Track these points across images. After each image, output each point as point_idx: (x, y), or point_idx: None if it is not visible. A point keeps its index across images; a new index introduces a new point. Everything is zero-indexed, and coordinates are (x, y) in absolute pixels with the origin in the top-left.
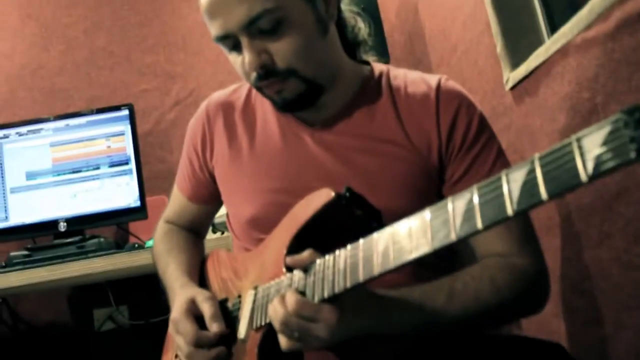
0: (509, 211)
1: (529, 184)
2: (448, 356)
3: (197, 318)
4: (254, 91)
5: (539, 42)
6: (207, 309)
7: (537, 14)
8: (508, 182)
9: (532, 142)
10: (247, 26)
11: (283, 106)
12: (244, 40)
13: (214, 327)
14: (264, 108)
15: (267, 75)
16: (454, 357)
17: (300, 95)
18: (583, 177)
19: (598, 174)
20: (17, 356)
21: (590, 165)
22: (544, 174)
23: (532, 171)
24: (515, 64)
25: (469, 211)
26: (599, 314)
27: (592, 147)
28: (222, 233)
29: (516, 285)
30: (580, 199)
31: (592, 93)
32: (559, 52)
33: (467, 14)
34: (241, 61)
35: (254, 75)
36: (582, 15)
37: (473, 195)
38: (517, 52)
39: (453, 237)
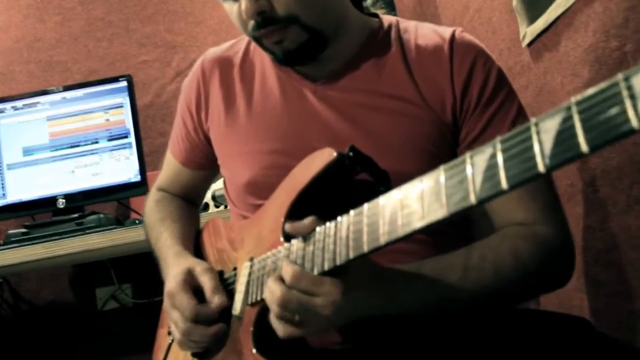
0: (540, 167)
1: (565, 134)
2: (465, 331)
3: (195, 291)
4: (253, 46)
5: None
6: (207, 280)
7: None
8: (538, 133)
9: (553, 102)
10: None
11: (284, 58)
12: None
13: (216, 300)
14: (263, 63)
15: (265, 23)
16: (472, 333)
17: (302, 45)
18: (634, 122)
19: None
20: (19, 336)
21: None
22: (584, 121)
23: (568, 119)
24: (532, 17)
25: (490, 168)
26: (627, 286)
27: None
28: (225, 207)
29: (540, 257)
30: (606, 161)
31: (621, 41)
32: None
33: None
34: (237, 9)
35: (251, 23)
36: None
37: (495, 150)
38: (534, 4)
39: (472, 199)
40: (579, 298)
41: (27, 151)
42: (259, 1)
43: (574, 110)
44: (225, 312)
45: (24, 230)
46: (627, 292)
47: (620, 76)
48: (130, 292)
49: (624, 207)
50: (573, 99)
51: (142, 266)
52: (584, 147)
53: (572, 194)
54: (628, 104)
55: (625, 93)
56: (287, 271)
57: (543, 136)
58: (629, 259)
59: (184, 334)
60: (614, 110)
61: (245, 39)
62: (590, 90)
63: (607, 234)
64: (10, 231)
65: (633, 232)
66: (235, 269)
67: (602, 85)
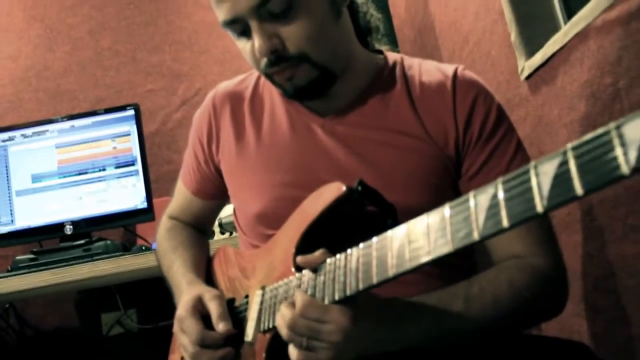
0: (539, 208)
1: (562, 177)
2: (467, 357)
3: (204, 317)
4: (262, 81)
5: (555, 29)
6: (214, 307)
7: (553, 0)
8: (537, 175)
9: (550, 134)
10: (257, 9)
11: (294, 94)
12: (254, 24)
13: (221, 327)
14: (272, 98)
15: (278, 61)
16: (474, 357)
17: (312, 82)
18: (624, 169)
19: None
20: None
21: (633, 156)
22: (579, 166)
23: (564, 163)
24: (530, 52)
25: (493, 207)
26: (624, 312)
27: (634, 135)
28: (231, 234)
29: (535, 287)
30: (603, 192)
31: (614, 77)
32: (578, 36)
33: (479, 3)
34: (250, 47)
35: (264, 61)
36: None
37: (497, 190)
38: (532, 39)
39: (476, 236)
40: (578, 323)
41: (35, 178)
42: (272, 40)
43: (570, 155)
44: (234, 338)
45: (31, 256)
46: (624, 317)
47: (612, 124)
48: (135, 318)
49: (620, 235)
50: (569, 145)
51: (147, 292)
52: (579, 190)
53: (570, 223)
54: (619, 151)
55: (616, 141)
56: (298, 299)
57: (542, 179)
58: (626, 285)
59: (193, 357)
60: (607, 157)
61: (254, 74)
62: (586, 137)
63: (605, 261)
64: (18, 257)
65: (629, 260)
66: (247, 296)
67: (596, 132)
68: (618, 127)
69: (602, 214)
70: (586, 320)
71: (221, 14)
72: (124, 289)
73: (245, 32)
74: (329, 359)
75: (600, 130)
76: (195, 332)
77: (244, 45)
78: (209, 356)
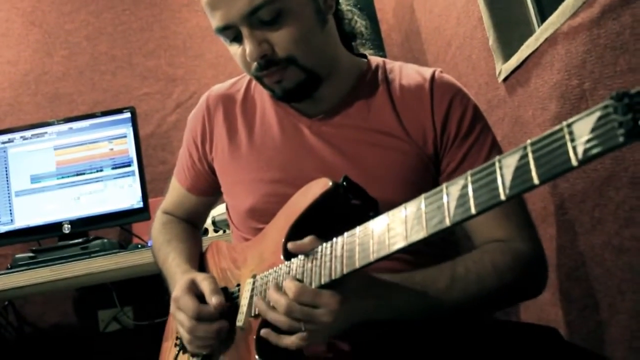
0: (502, 196)
1: (521, 169)
2: (444, 341)
3: (198, 297)
4: (254, 84)
5: (530, 34)
6: (206, 285)
7: (528, 6)
8: (501, 168)
9: (526, 134)
10: (249, 16)
11: (283, 95)
12: (245, 31)
13: (214, 300)
14: (263, 100)
15: (267, 65)
16: (450, 343)
17: (300, 84)
18: (574, 161)
19: (588, 157)
20: (23, 358)
21: (580, 150)
22: (536, 159)
23: (524, 157)
24: (507, 55)
25: (462, 197)
26: (594, 300)
27: (582, 132)
28: (224, 231)
29: (517, 268)
30: (572, 186)
31: (580, 79)
32: (548, 41)
33: (461, 10)
34: (242, 52)
35: (254, 65)
36: (569, 3)
37: (467, 182)
38: (509, 44)
39: (447, 222)
40: (554, 312)
41: (34, 179)
42: (262, 45)
43: (529, 149)
44: (227, 321)
45: (31, 254)
46: (594, 305)
47: (564, 123)
48: (131, 315)
49: (589, 227)
50: (529, 141)
51: (144, 289)
52: (536, 180)
53: (545, 216)
54: (569, 146)
55: (567, 137)
56: (290, 287)
57: (504, 171)
58: (595, 274)
59: (190, 331)
60: (559, 151)
61: (246, 77)
62: (543, 134)
63: (576, 252)
64: (18, 255)
65: (597, 250)
66: (238, 285)
67: (552, 129)
68: (569, 125)
69: (572, 208)
70: (561, 309)
71: (214, 21)
72: (121, 287)
73: (237, 38)
74: (321, 338)
75: (555, 128)
76: (191, 308)
77: (235, 51)
78: (205, 329)
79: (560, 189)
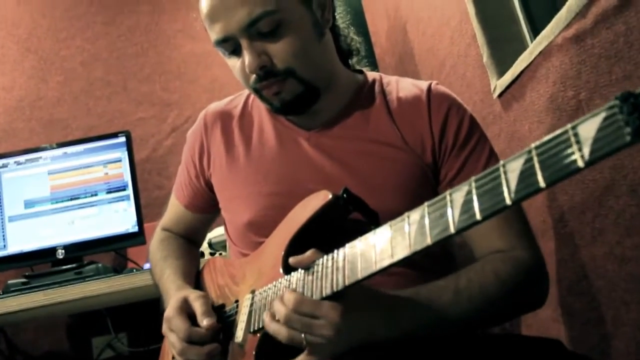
0: (507, 200)
1: (526, 173)
2: (446, 356)
3: (190, 316)
4: (251, 99)
5: (523, 49)
6: (198, 306)
7: (521, 23)
8: (505, 173)
9: (522, 148)
10: (248, 28)
11: (281, 108)
12: (244, 43)
13: (205, 322)
14: (261, 115)
15: (266, 76)
16: (451, 356)
17: (298, 96)
18: (580, 162)
19: (595, 158)
20: None
21: (587, 151)
22: (541, 162)
23: (529, 160)
24: (501, 71)
25: (467, 203)
26: (598, 313)
27: (587, 133)
28: (221, 254)
29: (519, 277)
30: (572, 198)
31: (576, 90)
32: (542, 54)
33: (454, 29)
34: (241, 64)
35: (253, 77)
36: (562, 15)
37: (471, 188)
38: (503, 60)
39: (452, 229)
40: (556, 328)
41: (28, 204)
42: (261, 57)
43: (534, 153)
44: (224, 340)
45: (23, 280)
46: (597, 318)
47: (569, 125)
48: (126, 341)
49: (590, 239)
50: (533, 145)
51: (138, 315)
52: (542, 183)
53: (545, 230)
54: (575, 147)
55: (572, 139)
56: (289, 298)
57: (509, 175)
58: (597, 287)
59: (180, 354)
60: (564, 153)
61: (243, 94)
62: (546, 137)
63: (577, 265)
64: (10, 281)
65: (599, 262)
66: (237, 301)
67: (556, 132)
68: (574, 127)
69: (572, 219)
70: (563, 324)
71: (214, 33)
72: (115, 313)
73: (235, 51)
74: (323, 353)
75: (559, 131)
76: (182, 330)
77: (234, 63)
78: (196, 352)
79: (559, 201)
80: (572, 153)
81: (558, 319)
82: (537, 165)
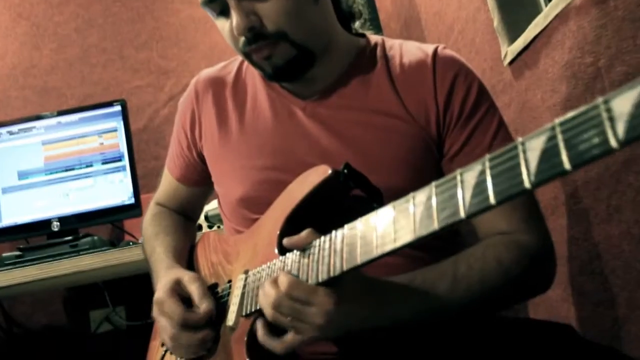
0: (527, 183)
1: (549, 152)
2: (454, 340)
3: (183, 299)
4: (245, 66)
5: (536, 14)
6: (194, 289)
7: None
8: (524, 152)
9: (534, 118)
10: None
11: (273, 74)
12: (232, 2)
13: (204, 306)
14: (255, 83)
15: (256, 38)
16: (460, 341)
17: (291, 61)
18: (613, 142)
19: (631, 138)
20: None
21: (621, 129)
22: (566, 141)
23: (552, 138)
24: (513, 37)
25: (479, 184)
26: (611, 294)
27: (622, 108)
28: (219, 227)
29: (523, 263)
30: (586, 173)
31: (594, 57)
32: (559, 18)
33: None
34: (229, 26)
35: (242, 39)
36: None
37: (485, 167)
38: (514, 25)
39: (462, 214)
40: (566, 308)
41: (22, 175)
42: (250, 17)
43: (558, 130)
44: (216, 324)
45: (18, 253)
46: (610, 300)
47: (600, 99)
48: (124, 315)
49: (605, 216)
50: (557, 120)
51: (136, 288)
52: (567, 164)
53: (556, 206)
54: (607, 125)
55: (605, 115)
56: (283, 280)
57: (529, 154)
58: (611, 267)
59: (173, 339)
60: (594, 131)
61: (237, 60)
62: (573, 112)
63: (590, 244)
64: (4, 254)
65: (614, 241)
66: (230, 281)
67: (584, 107)
68: (606, 102)
69: (587, 196)
70: (573, 304)
71: None
72: (112, 286)
73: (223, 12)
74: (311, 339)
75: (588, 105)
76: (177, 313)
77: (222, 25)
78: (188, 337)
79: (572, 176)
80: (604, 131)
81: (568, 299)
82: (561, 144)
